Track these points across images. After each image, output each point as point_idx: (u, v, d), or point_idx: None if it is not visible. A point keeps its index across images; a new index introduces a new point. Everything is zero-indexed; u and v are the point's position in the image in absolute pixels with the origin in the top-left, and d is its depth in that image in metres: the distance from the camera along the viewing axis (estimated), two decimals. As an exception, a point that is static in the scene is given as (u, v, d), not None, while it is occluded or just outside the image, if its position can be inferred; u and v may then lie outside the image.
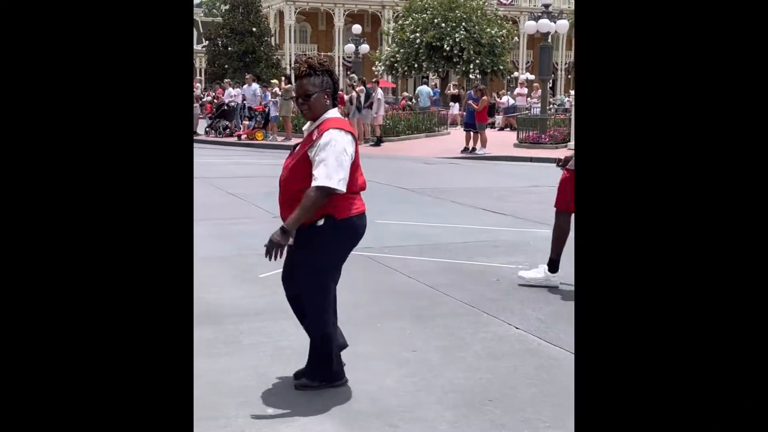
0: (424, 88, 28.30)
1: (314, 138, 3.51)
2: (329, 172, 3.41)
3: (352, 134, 3.58)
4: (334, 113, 3.61)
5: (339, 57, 52.02)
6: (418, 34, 35.87)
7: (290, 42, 53.87)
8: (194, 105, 22.84)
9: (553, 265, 5.84)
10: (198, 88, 24.36)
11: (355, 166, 3.57)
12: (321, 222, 3.51)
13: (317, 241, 3.54)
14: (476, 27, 35.63)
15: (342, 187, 3.44)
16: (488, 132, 19.69)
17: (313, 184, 3.41)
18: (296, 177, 3.53)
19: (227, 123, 22.68)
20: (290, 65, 52.20)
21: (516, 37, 41.49)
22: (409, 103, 28.13)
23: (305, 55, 3.62)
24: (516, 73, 41.26)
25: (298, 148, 3.65)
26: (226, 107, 22.94)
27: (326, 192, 3.42)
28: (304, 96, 3.55)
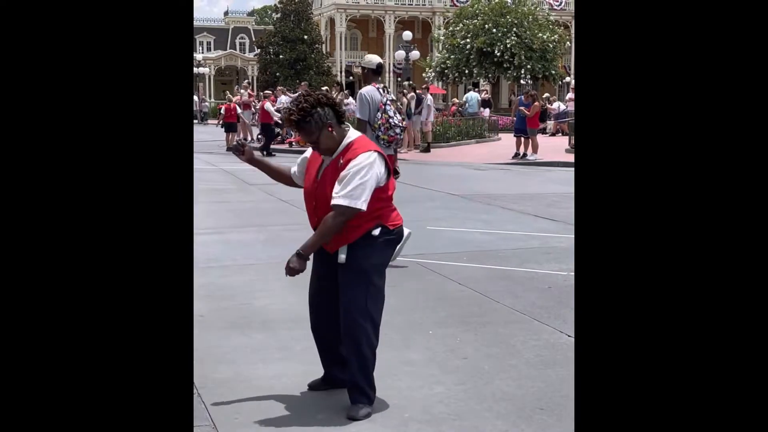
0: (472, 94, 28.20)
1: (341, 163, 3.45)
2: (354, 192, 3.38)
3: (377, 152, 3.50)
4: (353, 134, 3.58)
5: (389, 64, 52.12)
6: (468, 40, 35.81)
7: (341, 49, 54.20)
8: (242, 112, 23.11)
9: None
10: (242, 94, 24.64)
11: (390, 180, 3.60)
12: (377, 231, 3.54)
13: (370, 250, 3.53)
14: (527, 32, 35.43)
15: (363, 207, 3.41)
16: (539, 137, 19.53)
17: (334, 202, 3.38)
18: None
19: (278, 130, 22.86)
20: (341, 72, 52.64)
21: (568, 42, 41.07)
22: (460, 109, 28.10)
23: (303, 93, 3.52)
24: (568, 78, 40.85)
25: (325, 171, 3.53)
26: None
27: (350, 212, 3.40)
28: (312, 143, 3.52)
